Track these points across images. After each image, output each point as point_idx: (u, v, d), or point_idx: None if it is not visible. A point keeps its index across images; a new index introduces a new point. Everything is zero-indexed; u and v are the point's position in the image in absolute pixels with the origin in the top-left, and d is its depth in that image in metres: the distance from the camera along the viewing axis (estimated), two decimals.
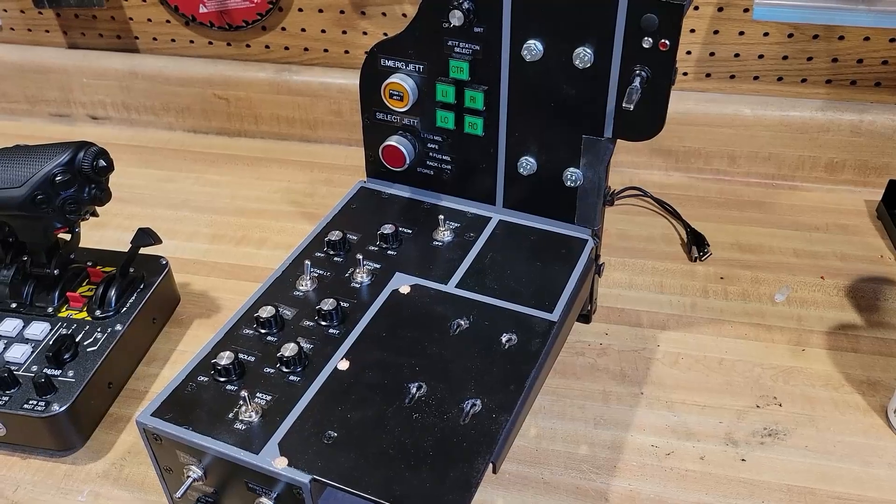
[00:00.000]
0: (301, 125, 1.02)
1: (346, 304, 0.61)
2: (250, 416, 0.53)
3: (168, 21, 1.00)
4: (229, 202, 0.93)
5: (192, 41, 1.01)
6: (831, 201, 0.90)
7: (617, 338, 0.74)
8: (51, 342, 0.66)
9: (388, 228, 0.67)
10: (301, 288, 0.63)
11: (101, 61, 1.03)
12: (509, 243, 0.67)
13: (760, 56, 0.88)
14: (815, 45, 0.87)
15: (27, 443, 0.64)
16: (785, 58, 0.88)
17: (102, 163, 0.66)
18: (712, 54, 0.89)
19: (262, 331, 0.59)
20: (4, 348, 0.66)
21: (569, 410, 0.67)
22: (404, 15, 0.93)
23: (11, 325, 0.68)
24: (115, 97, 1.04)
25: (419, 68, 0.66)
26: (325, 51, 0.99)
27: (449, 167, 0.70)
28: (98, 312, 0.69)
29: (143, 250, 0.72)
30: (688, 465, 0.62)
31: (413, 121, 0.69)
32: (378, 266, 0.65)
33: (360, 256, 0.64)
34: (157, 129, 1.06)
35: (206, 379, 0.56)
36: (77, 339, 0.67)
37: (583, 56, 0.59)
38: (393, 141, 0.69)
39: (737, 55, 0.89)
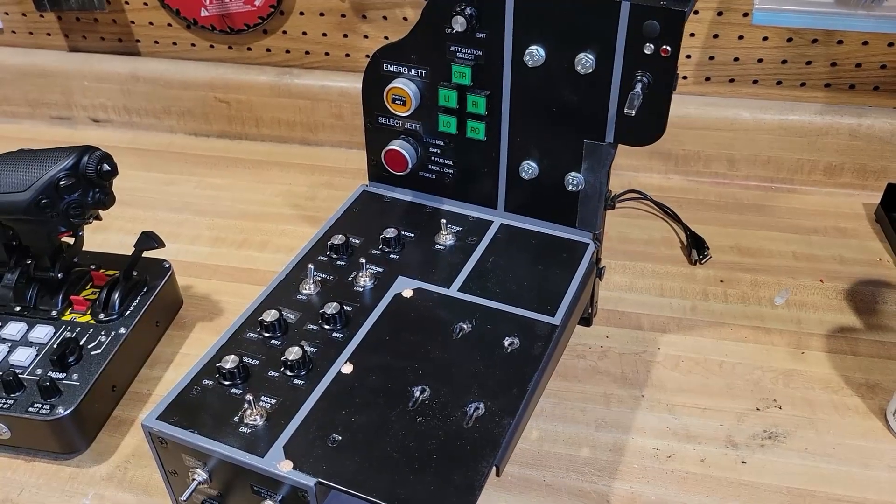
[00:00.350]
0: (302, 128, 1.02)
1: (349, 308, 0.61)
2: (255, 420, 0.53)
3: (169, 24, 1.00)
4: (231, 205, 0.94)
5: (193, 44, 1.02)
6: (830, 204, 0.91)
7: (618, 341, 0.74)
8: (55, 346, 0.67)
9: (390, 232, 0.67)
10: (304, 291, 0.64)
11: (102, 64, 1.03)
12: (511, 247, 0.68)
13: (760, 60, 0.89)
14: (814, 50, 0.87)
15: (32, 446, 0.64)
16: (784, 62, 0.89)
17: (106, 167, 0.66)
18: (712, 58, 0.90)
19: (266, 334, 0.60)
20: (9, 351, 0.67)
21: (570, 413, 0.67)
22: (405, 19, 0.94)
23: (16, 329, 0.68)
24: (117, 100, 1.04)
25: (421, 73, 0.66)
26: (327, 54, 0.99)
27: (451, 171, 0.71)
28: (102, 316, 0.70)
29: (146, 254, 0.73)
30: (689, 467, 0.63)
31: (415, 125, 0.69)
32: (381, 270, 0.65)
33: (363, 260, 0.64)
34: (158, 132, 1.06)
35: (211, 382, 0.56)
36: (81, 343, 0.67)
37: (584, 62, 0.60)
38: (395, 145, 0.70)
39: (736, 59, 0.90)
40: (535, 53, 0.61)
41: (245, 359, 0.57)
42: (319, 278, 0.65)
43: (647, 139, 0.61)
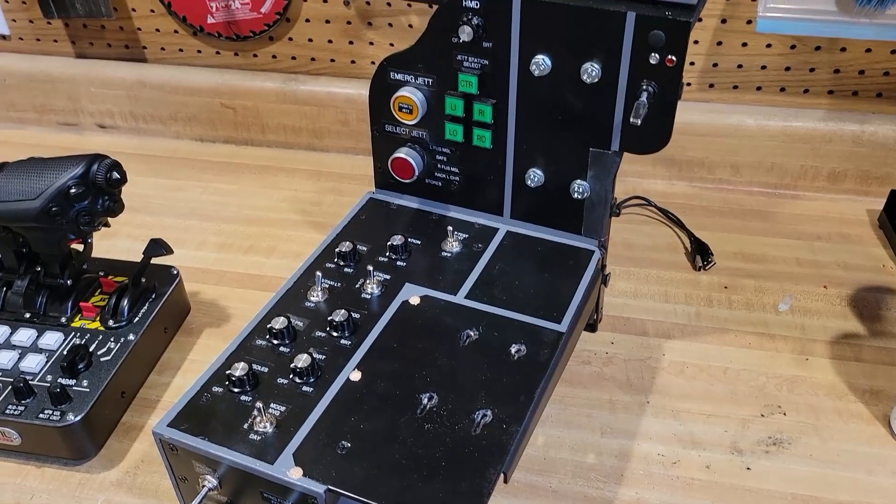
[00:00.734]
0: (308, 134, 1.03)
1: (357, 316, 0.62)
2: (265, 427, 0.54)
3: (176, 31, 1.01)
4: (237, 211, 0.94)
5: (199, 51, 1.02)
6: (833, 210, 0.91)
7: (623, 347, 0.75)
8: (65, 352, 0.67)
9: (397, 240, 0.68)
10: (312, 299, 0.64)
11: (109, 71, 1.04)
12: (517, 254, 0.68)
13: (763, 67, 0.89)
14: (818, 57, 0.88)
15: (42, 452, 0.65)
16: (787, 69, 0.89)
17: (116, 175, 0.67)
18: (715, 65, 0.90)
19: (275, 342, 0.60)
20: (19, 358, 0.67)
21: (576, 419, 0.68)
22: (410, 26, 0.94)
23: (26, 335, 0.69)
24: (123, 106, 1.05)
25: (428, 82, 0.67)
26: (332, 61, 0.99)
27: (457, 179, 0.71)
28: (111, 322, 0.70)
29: (154, 260, 0.73)
30: (694, 473, 0.63)
31: (422, 133, 0.70)
32: (388, 277, 0.66)
33: (370, 267, 0.65)
34: (164, 137, 1.07)
35: (221, 390, 0.57)
36: (91, 349, 0.67)
37: (590, 71, 0.60)
38: (402, 153, 0.70)
39: (740, 66, 0.90)
40: (541, 62, 0.61)
41: (254, 366, 0.58)
42: (327, 285, 0.65)
43: (653, 148, 0.62)
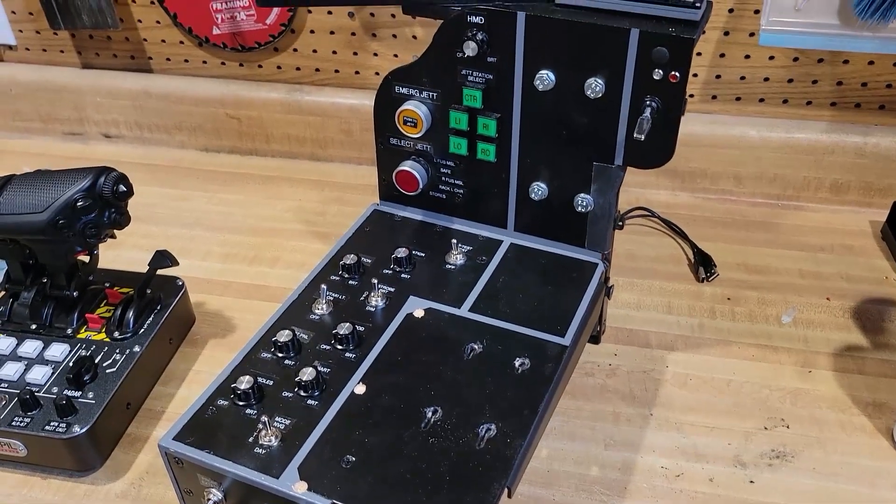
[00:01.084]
0: (312, 144, 1.03)
1: (361, 328, 0.62)
2: (270, 441, 0.54)
3: (181, 42, 1.01)
4: (242, 221, 0.95)
5: (204, 62, 1.03)
6: (836, 222, 0.91)
7: (626, 359, 0.75)
8: (71, 364, 0.67)
9: (401, 252, 0.68)
10: (317, 311, 0.64)
11: (114, 81, 1.04)
12: (521, 267, 0.69)
13: (766, 79, 0.90)
14: (820, 69, 0.88)
15: (47, 463, 0.65)
16: (790, 81, 0.89)
17: (123, 188, 0.67)
18: (718, 77, 0.91)
19: (280, 355, 0.60)
20: (25, 369, 0.67)
21: (579, 431, 0.68)
22: (414, 37, 0.95)
23: (32, 347, 0.69)
24: (128, 116, 1.06)
25: (433, 95, 0.67)
26: (336, 71, 1.00)
27: (461, 191, 0.71)
28: (116, 334, 0.70)
29: (159, 271, 0.74)
30: (697, 486, 0.63)
31: (426, 146, 0.70)
32: (392, 290, 0.66)
33: (375, 280, 0.65)
34: (169, 147, 1.07)
35: (226, 403, 0.57)
36: (96, 361, 0.68)
37: (594, 86, 0.60)
38: (406, 166, 0.71)
39: (742, 78, 0.90)
40: (546, 78, 0.62)
41: (259, 379, 0.58)
42: (332, 298, 0.66)
43: (656, 163, 0.62)
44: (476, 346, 0.61)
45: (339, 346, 0.61)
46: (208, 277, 0.86)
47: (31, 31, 1.06)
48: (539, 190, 0.68)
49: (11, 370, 0.67)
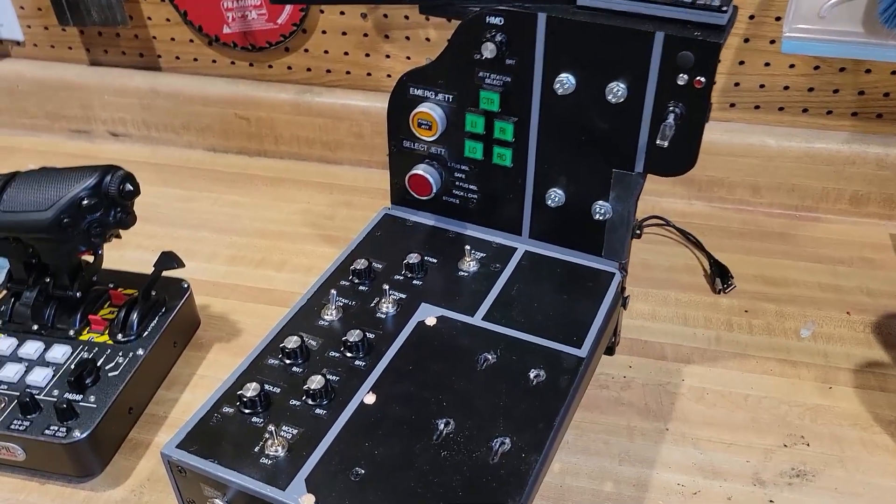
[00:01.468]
0: (321, 146, 1.01)
1: (371, 336, 0.60)
2: (276, 451, 0.52)
3: (191, 40, 1.00)
4: (249, 223, 0.93)
5: (214, 61, 1.01)
6: (856, 234, 0.90)
7: (641, 371, 0.73)
8: (72, 366, 0.66)
9: (413, 258, 0.66)
10: (326, 317, 0.63)
11: (122, 79, 1.03)
12: (536, 275, 0.67)
13: (786, 87, 0.88)
14: (842, 78, 0.86)
15: (46, 468, 0.63)
16: (811, 90, 0.88)
17: (129, 187, 0.66)
18: (737, 84, 0.89)
19: (288, 361, 0.59)
20: (26, 371, 0.66)
21: (593, 445, 0.66)
22: (428, 39, 0.93)
23: (33, 348, 0.67)
24: (136, 115, 1.04)
25: (448, 98, 0.66)
26: (348, 73, 0.98)
27: (475, 196, 0.70)
28: (120, 336, 0.69)
29: (164, 273, 0.72)
30: None
31: (440, 150, 0.69)
32: (403, 296, 0.64)
33: (386, 286, 0.63)
34: (176, 147, 1.06)
35: (232, 410, 0.55)
36: (98, 364, 0.66)
37: (616, 91, 0.59)
38: (420, 170, 0.69)
39: (762, 86, 0.89)
40: (566, 81, 0.60)
41: (266, 386, 0.56)
42: (341, 304, 0.64)
43: (678, 170, 0.60)
44: (489, 357, 0.59)
45: (349, 354, 0.59)
46: (214, 280, 0.84)
47: (39, 26, 1.04)
48: (556, 196, 0.66)
49: (11, 371, 0.65)
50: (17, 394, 0.63)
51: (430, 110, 0.66)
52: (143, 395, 0.69)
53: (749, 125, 0.91)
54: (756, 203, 0.93)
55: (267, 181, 1.00)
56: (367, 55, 0.96)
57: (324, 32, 0.96)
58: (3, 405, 0.63)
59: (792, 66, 0.86)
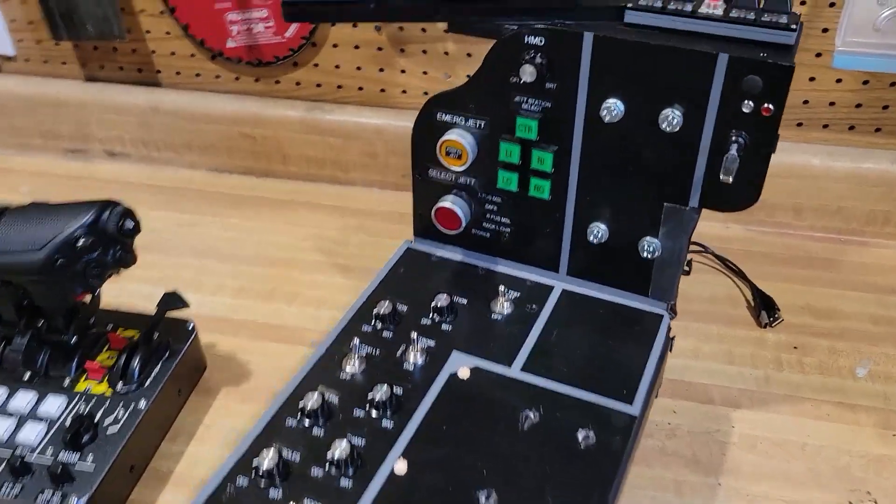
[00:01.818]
0: (332, 166, 0.96)
1: (399, 391, 0.55)
2: None
3: (193, 55, 0.94)
4: (256, 250, 0.87)
5: (218, 76, 0.95)
6: None
7: (686, 416, 0.67)
8: (68, 422, 0.60)
9: (442, 300, 0.60)
10: (348, 369, 0.57)
11: (120, 95, 0.97)
12: (576, 317, 0.61)
13: (831, 103, 0.82)
14: (893, 94, 0.80)
15: None
16: (858, 106, 0.82)
17: (129, 224, 0.60)
18: None
19: (308, 422, 0.53)
20: (17, 427, 0.60)
21: (638, 502, 0.60)
22: (446, 53, 0.87)
23: (25, 400, 0.61)
24: (134, 133, 0.98)
25: (480, 124, 0.60)
26: (360, 89, 0.92)
27: (507, 230, 0.64)
28: (120, 385, 0.63)
29: (168, 313, 0.66)
30: None
31: (470, 180, 0.63)
32: (432, 343, 0.58)
33: (414, 334, 0.57)
34: (177, 167, 1.00)
35: (246, 482, 0.49)
36: (97, 420, 0.60)
37: (671, 118, 0.53)
38: (448, 202, 0.63)
39: (806, 102, 0.83)
40: (613, 108, 0.54)
41: (284, 453, 0.50)
42: (364, 353, 0.58)
43: (739, 205, 0.55)
44: (531, 415, 0.53)
45: (375, 413, 0.53)
46: (220, 315, 0.78)
47: (31, 40, 0.98)
48: (598, 232, 0.60)
49: (1, 428, 0.59)
50: (7, 454, 0.57)
51: (460, 138, 0.60)
52: (146, 450, 0.63)
53: (792, 143, 0.85)
54: (798, 226, 0.87)
55: (274, 204, 0.94)
56: (381, 70, 0.90)
57: (335, 46, 0.90)
58: None
59: (839, 80, 0.81)
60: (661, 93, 0.53)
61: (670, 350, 0.65)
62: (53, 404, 0.61)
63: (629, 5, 0.54)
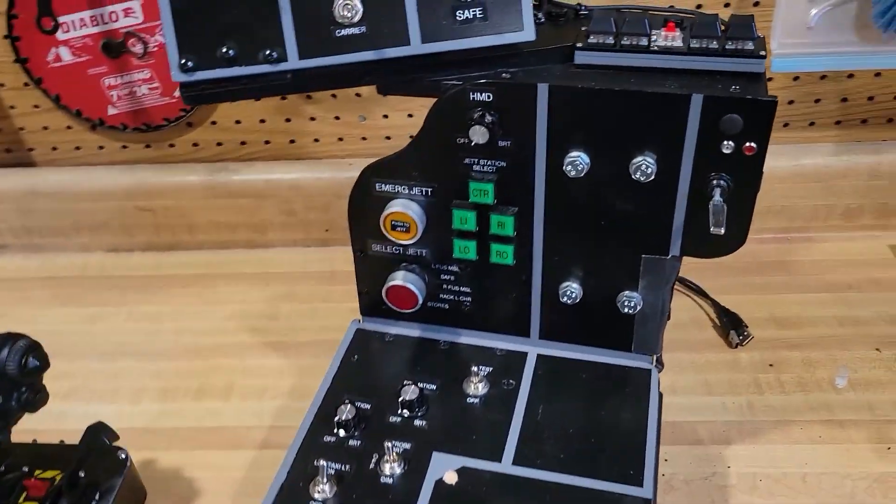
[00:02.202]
0: (246, 230, 0.86)
1: None
2: None
3: (69, 127, 0.83)
4: (175, 340, 0.77)
5: (101, 147, 0.85)
6: (853, 251, 0.83)
7: (678, 463, 0.62)
8: None
9: (409, 391, 0.53)
10: (318, 496, 0.49)
11: None
12: (559, 387, 0.55)
13: None
14: (823, 87, 0.78)
15: None
16: (791, 102, 0.80)
17: (34, 362, 0.51)
18: None
19: None
20: None
21: None
22: (358, 95, 0.80)
23: None
24: (13, 221, 0.86)
25: (426, 192, 0.53)
26: (267, 142, 0.84)
27: (468, 299, 0.57)
28: None
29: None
30: None
31: (421, 251, 0.56)
32: (408, 446, 0.51)
33: (388, 444, 0.50)
34: (68, 252, 0.88)
35: None
36: None
37: (643, 167, 0.48)
38: (399, 279, 0.56)
39: None
40: (578, 161, 0.48)
41: None
42: (332, 471, 0.50)
43: (725, 251, 0.50)
44: None
45: None
46: (146, 426, 0.68)
47: None
48: (571, 291, 0.54)
49: None
50: None
51: (406, 209, 0.53)
52: None
53: None
54: None
55: (187, 280, 0.85)
56: (288, 120, 0.82)
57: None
58: None
59: (770, 79, 0.78)
60: (631, 141, 0.47)
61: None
62: None
63: (578, 45, 0.48)
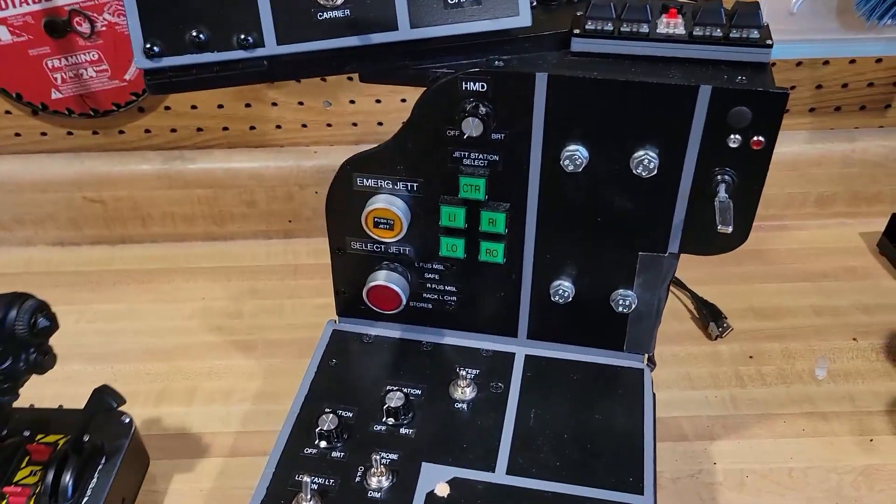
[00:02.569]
0: (204, 222, 0.82)
1: None
2: None
3: (8, 112, 0.77)
4: (133, 341, 0.72)
5: (44, 133, 0.79)
6: (827, 238, 0.82)
7: (664, 461, 0.61)
8: None
9: (395, 399, 0.50)
10: None
11: None
12: (550, 389, 0.53)
13: None
14: (798, 74, 0.77)
15: None
16: None
17: (43, 322, 0.49)
18: None
19: None
20: None
21: None
22: (324, 80, 0.76)
23: None
24: None
25: (411, 186, 0.50)
26: (225, 129, 0.79)
27: (453, 299, 0.54)
28: None
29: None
30: None
31: (404, 249, 0.53)
32: (395, 457, 0.49)
33: (376, 456, 0.47)
34: (11, 246, 0.82)
35: None
36: None
37: (645, 161, 0.45)
38: (382, 279, 0.53)
39: None
40: (577, 155, 0.46)
41: None
42: (316, 486, 0.47)
43: (726, 247, 0.48)
44: None
45: None
46: None
47: None
48: (563, 290, 0.52)
49: None
50: None
51: (390, 205, 0.49)
52: None
53: None
54: None
55: (142, 276, 0.80)
56: (248, 105, 0.77)
57: None
58: None
59: None
60: (633, 134, 0.45)
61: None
62: None
63: (575, 31, 0.45)
